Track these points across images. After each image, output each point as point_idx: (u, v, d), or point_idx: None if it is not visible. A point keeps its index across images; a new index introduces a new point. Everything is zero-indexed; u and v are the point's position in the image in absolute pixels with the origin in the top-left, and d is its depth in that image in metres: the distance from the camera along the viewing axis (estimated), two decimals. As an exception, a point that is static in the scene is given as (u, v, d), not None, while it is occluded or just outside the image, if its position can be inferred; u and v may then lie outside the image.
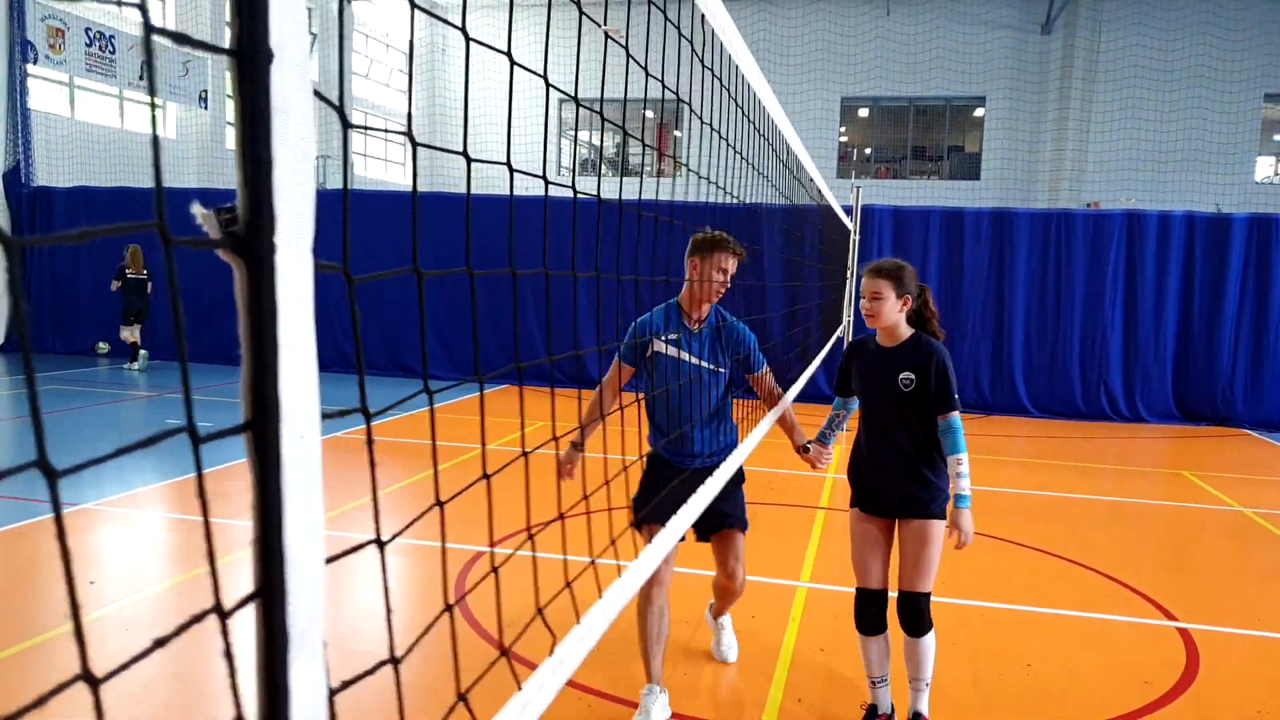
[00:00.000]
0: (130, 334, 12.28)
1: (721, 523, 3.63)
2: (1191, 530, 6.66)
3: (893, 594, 3.36)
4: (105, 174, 15.35)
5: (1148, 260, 11.38)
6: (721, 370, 3.56)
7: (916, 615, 3.26)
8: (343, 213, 0.81)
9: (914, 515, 3.25)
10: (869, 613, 3.33)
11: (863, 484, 3.38)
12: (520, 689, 1.26)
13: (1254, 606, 4.94)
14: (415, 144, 0.88)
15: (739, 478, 3.63)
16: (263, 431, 0.70)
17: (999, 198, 19.71)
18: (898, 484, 3.26)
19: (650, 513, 3.34)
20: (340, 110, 0.79)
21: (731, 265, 3.50)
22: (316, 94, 0.69)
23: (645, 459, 3.64)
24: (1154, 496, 7.69)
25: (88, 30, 15.31)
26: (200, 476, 0.71)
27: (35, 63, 14.33)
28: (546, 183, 1.23)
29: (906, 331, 3.28)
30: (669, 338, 3.48)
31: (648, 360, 3.54)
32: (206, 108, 17.84)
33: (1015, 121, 21.19)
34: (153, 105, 0.61)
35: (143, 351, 12.37)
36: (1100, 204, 18.14)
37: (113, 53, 15.85)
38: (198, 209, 0.67)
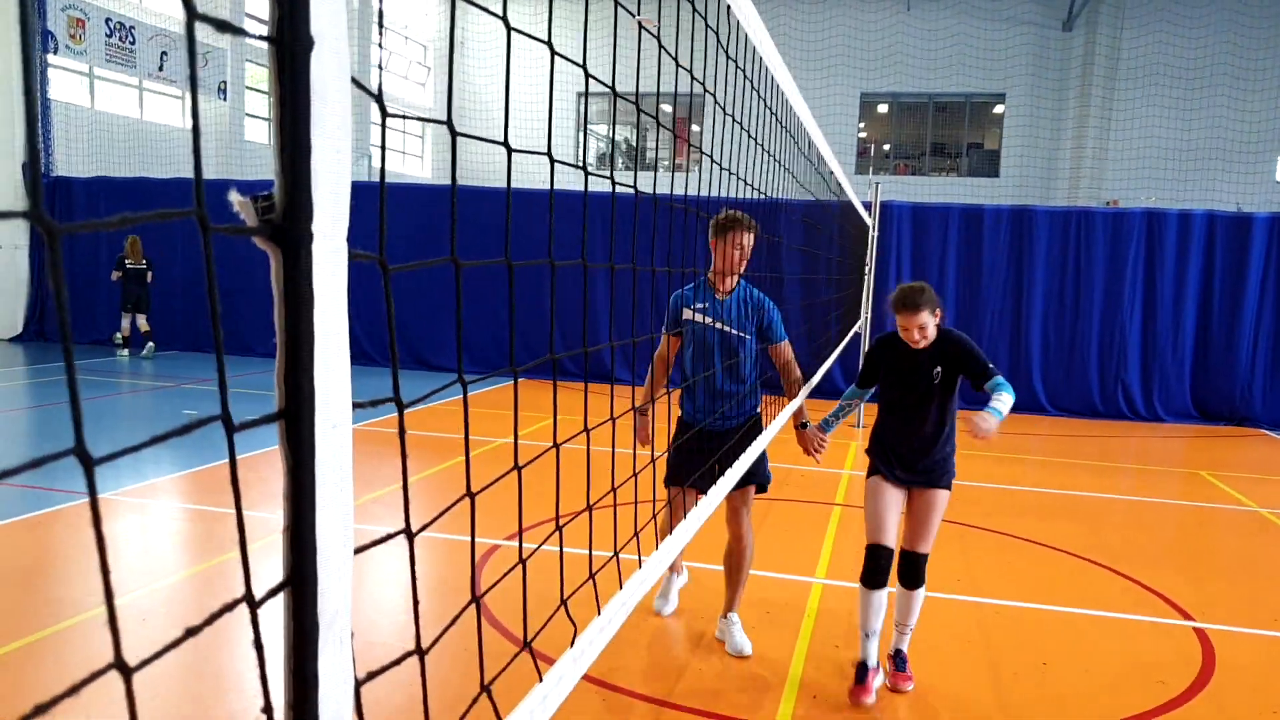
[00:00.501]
0: (129, 324, 12.63)
1: (744, 480, 3.87)
2: (1208, 530, 6.61)
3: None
4: (124, 164, 15.45)
5: (1167, 259, 11.28)
6: (746, 336, 3.89)
7: (915, 572, 3.68)
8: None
9: (928, 485, 3.66)
10: (879, 567, 3.59)
11: (886, 459, 3.72)
12: (541, 680, 1.26)
13: (1271, 607, 4.90)
14: (455, 134, 0.88)
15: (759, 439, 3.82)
16: (296, 420, 0.71)
17: (1018, 195, 19.55)
18: (918, 461, 3.65)
19: (679, 473, 3.74)
20: (379, 99, 0.79)
21: (747, 240, 3.81)
22: (354, 82, 0.69)
23: (676, 421, 4.00)
24: (1171, 496, 7.63)
25: (108, 21, 15.40)
26: (234, 463, 0.71)
27: (56, 53, 14.43)
28: (586, 173, 1.23)
29: (935, 333, 3.60)
30: (698, 306, 3.90)
31: (681, 326, 3.95)
32: (226, 99, 17.91)
33: (1035, 119, 21.01)
34: (193, 93, 0.61)
35: (150, 345, 12.74)
36: (1120, 202, 17.97)
37: (132, 43, 15.93)
38: (235, 196, 0.67)
